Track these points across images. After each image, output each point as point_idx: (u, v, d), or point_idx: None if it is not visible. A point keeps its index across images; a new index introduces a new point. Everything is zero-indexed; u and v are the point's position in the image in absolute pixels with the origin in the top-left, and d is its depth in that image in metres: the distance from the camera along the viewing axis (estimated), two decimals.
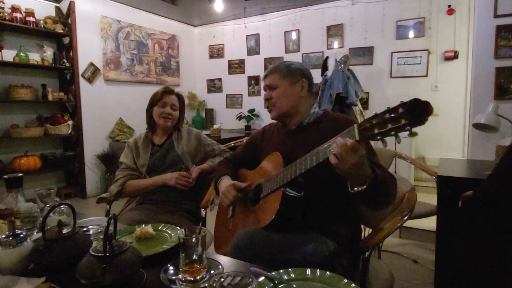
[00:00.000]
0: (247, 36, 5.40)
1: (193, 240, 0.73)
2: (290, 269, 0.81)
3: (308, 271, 0.80)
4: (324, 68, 3.93)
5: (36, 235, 1.01)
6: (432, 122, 4.06)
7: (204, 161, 1.74)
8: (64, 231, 0.86)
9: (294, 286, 0.74)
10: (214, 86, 5.87)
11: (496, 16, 2.72)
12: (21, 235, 0.85)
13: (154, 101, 1.72)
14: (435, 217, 1.82)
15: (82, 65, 4.09)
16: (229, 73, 5.67)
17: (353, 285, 0.73)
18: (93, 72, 4.23)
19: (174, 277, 0.77)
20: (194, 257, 0.74)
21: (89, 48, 4.18)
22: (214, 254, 0.96)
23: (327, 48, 4.71)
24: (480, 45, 2.82)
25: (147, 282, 0.79)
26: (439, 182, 1.73)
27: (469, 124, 3.26)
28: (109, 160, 4.21)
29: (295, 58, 4.92)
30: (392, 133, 0.75)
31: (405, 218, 1.09)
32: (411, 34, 4.13)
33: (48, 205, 1.07)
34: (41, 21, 3.67)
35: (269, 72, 1.29)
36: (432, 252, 2.25)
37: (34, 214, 1.06)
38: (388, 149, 1.80)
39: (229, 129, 5.49)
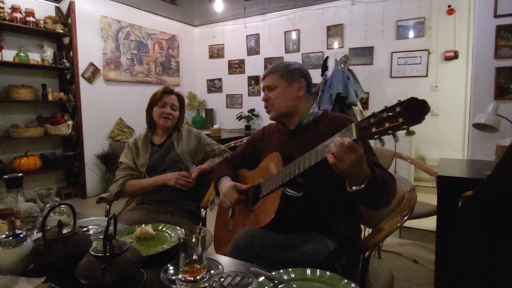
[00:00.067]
0: (247, 36, 5.40)
1: (193, 240, 0.73)
2: (290, 269, 0.81)
3: (308, 271, 0.80)
4: (324, 68, 3.93)
5: (36, 235, 1.01)
6: (432, 122, 4.07)
7: (204, 161, 1.74)
8: (64, 231, 0.86)
9: (294, 286, 0.74)
10: (214, 86, 5.87)
11: (496, 16, 2.72)
12: (21, 235, 0.85)
13: (154, 101, 1.72)
14: (435, 217, 1.82)
15: (82, 65, 4.09)
16: (229, 73, 5.67)
17: (353, 285, 0.73)
18: (93, 72, 4.23)
19: (174, 277, 0.77)
20: (194, 257, 0.74)
21: (89, 48, 4.18)
22: (214, 254, 0.96)
23: (327, 48, 4.71)
24: (480, 45, 2.82)
25: (147, 282, 0.79)
26: (439, 182, 1.73)
27: (469, 124, 3.27)
28: (109, 160, 4.21)
29: (295, 58, 4.92)
30: (389, 132, 0.75)
31: (405, 218, 1.09)
32: (411, 34, 4.13)
33: (48, 205, 1.07)
34: (41, 21, 3.67)
35: (267, 73, 1.30)
36: (432, 252, 2.26)
37: (34, 214, 1.06)
38: (388, 149, 1.79)
39: (229, 129, 5.49)
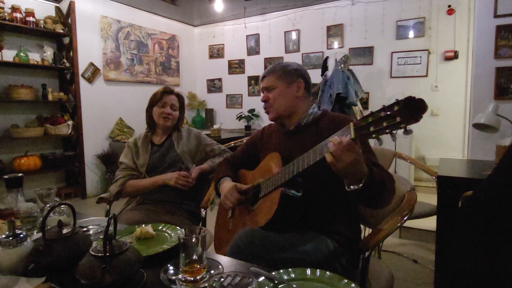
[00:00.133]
0: (247, 36, 5.40)
1: (193, 240, 0.73)
2: (290, 269, 0.81)
3: (308, 271, 0.80)
4: (324, 68, 3.93)
5: (36, 235, 1.01)
6: (432, 122, 4.07)
7: (204, 161, 1.74)
8: (64, 231, 0.86)
9: (294, 286, 0.75)
10: (214, 86, 5.87)
11: (496, 16, 2.72)
12: (21, 235, 0.85)
13: (154, 101, 1.72)
14: (435, 217, 1.82)
15: (82, 65, 4.09)
16: (229, 73, 5.67)
17: (353, 285, 0.73)
18: (93, 72, 4.23)
19: (174, 277, 0.77)
20: (194, 257, 0.74)
21: (89, 48, 4.18)
22: (214, 254, 0.96)
23: (327, 48, 4.71)
24: (480, 45, 2.81)
25: (147, 282, 0.79)
26: (439, 182, 1.73)
27: (469, 124, 3.26)
28: (109, 160, 4.21)
29: (295, 58, 4.92)
30: (387, 131, 0.75)
31: (405, 218, 1.09)
32: (411, 34, 4.13)
33: (48, 205, 1.07)
34: (41, 21, 3.67)
35: (265, 74, 1.30)
36: (432, 252, 2.26)
37: (34, 214, 1.06)
38: (388, 149, 1.79)
39: (229, 129, 5.49)
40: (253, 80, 5.44)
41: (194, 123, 5.67)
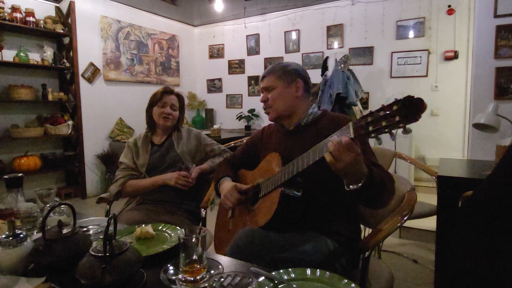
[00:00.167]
0: (247, 36, 5.40)
1: (193, 240, 0.73)
2: (290, 269, 0.81)
3: (308, 271, 0.80)
4: (324, 68, 3.93)
5: (36, 235, 1.01)
6: (432, 122, 4.07)
7: (204, 161, 1.74)
8: (64, 231, 0.86)
9: (294, 286, 0.75)
10: (214, 86, 5.87)
11: (496, 16, 2.72)
12: (21, 235, 0.85)
13: (154, 101, 1.72)
14: (435, 217, 1.82)
15: (82, 65, 4.09)
16: (229, 73, 5.67)
17: (353, 285, 0.73)
18: (93, 72, 4.23)
19: (174, 277, 0.77)
20: (194, 257, 0.74)
21: (89, 48, 4.18)
22: (214, 254, 0.96)
23: (327, 48, 4.71)
24: (480, 45, 2.81)
25: (147, 282, 0.79)
26: (439, 182, 1.73)
27: (469, 124, 3.26)
28: (109, 160, 4.21)
29: (295, 58, 4.92)
30: (386, 130, 0.76)
31: (405, 218, 1.09)
32: (411, 34, 4.13)
33: (48, 205, 1.07)
34: (41, 21, 3.67)
35: (265, 75, 1.30)
36: (432, 252, 2.26)
37: (34, 214, 1.06)
38: (388, 149, 1.79)
39: (229, 129, 5.49)
40: (253, 80, 5.44)
41: (194, 123, 5.67)
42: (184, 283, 0.73)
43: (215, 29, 5.72)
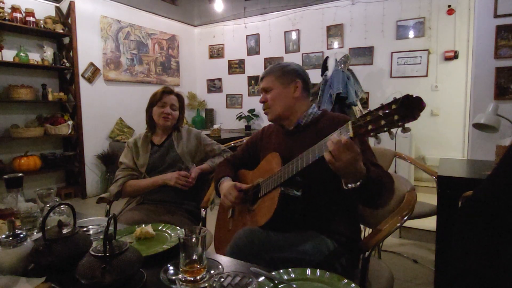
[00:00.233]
0: (247, 36, 5.40)
1: (193, 240, 0.73)
2: (290, 269, 0.81)
3: (308, 271, 0.80)
4: (324, 68, 3.93)
5: (36, 235, 1.01)
6: (432, 122, 4.07)
7: (204, 161, 1.74)
8: (64, 231, 0.86)
9: (294, 286, 0.74)
10: (214, 86, 5.87)
11: (496, 16, 2.72)
12: (21, 235, 0.85)
13: (154, 101, 1.72)
14: (435, 217, 1.82)
15: (82, 65, 4.09)
16: (229, 73, 5.67)
17: (353, 285, 0.73)
18: (93, 72, 4.23)
19: (174, 277, 0.77)
20: (194, 257, 0.74)
21: (89, 48, 4.18)
22: (214, 254, 0.96)
23: (327, 48, 4.71)
24: (480, 45, 2.81)
25: (147, 282, 0.79)
26: (439, 182, 1.73)
27: (469, 124, 3.27)
28: (109, 160, 4.21)
29: (295, 58, 4.92)
30: (385, 129, 0.76)
31: (405, 218, 1.09)
32: (411, 34, 4.13)
33: (48, 205, 1.07)
34: (41, 21, 3.67)
35: (263, 75, 1.30)
36: (432, 252, 2.26)
37: (34, 214, 1.06)
38: (388, 149, 1.80)
39: (229, 129, 5.49)
40: (253, 80, 5.44)
41: (194, 123, 5.67)
42: (184, 283, 0.73)
43: (215, 29, 5.72)
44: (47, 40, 3.91)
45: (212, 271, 0.81)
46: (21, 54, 3.51)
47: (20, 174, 1.10)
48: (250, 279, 0.66)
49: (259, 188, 1.22)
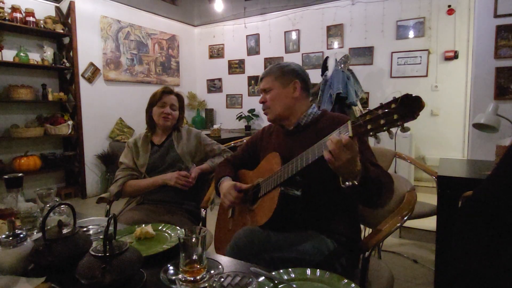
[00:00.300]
0: (247, 36, 5.40)
1: (193, 240, 0.73)
2: (290, 269, 0.81)
3: (308, 271, 0.80)
4: (324, 68, 3.93)
5: (36, 235, 1.01)
6: (432, 122, 4.07)
7: (204, 161, 1.74)
8: (64, 231, 0.86)
9: (294, 286, 0.74)
10: (214, 86, 5.87)
11: (496, 16, 2.72)
12: (21, 235, 0.85)
13: (154, 101, 1.72)
14: (435, 217, 1.82)
15: (82, 65, 4.09)
16: (229, 73, 5.67)
17: (353, 285, 0.73)
18: (93, 72, 4.23)
19: (174, 277, 0.77)
20: (194, 257, 0.74)
21: (89, 48, 4.18)
22: (214, 254, 0.96)
23: (327, 48, 4.71)
24: (480, 45, 2.82)
25: (147, 282, 0.79)
26: (439, 182, 1.73)
27: (469, 124, 3.27)
28: (109, 160, 4.21)
29: (295, 58, 4.93)
30: (384, 128, 0.76)
31: (405, 218, 1.09)
32: (411, 34, 4.13)
33: (48, 205, 1.07)
34: (41, 21, 3.67)
35: (263, 76, 1.30)
36: (432, 252, 2.26)
37: (34, 214, 1.06)
38: (388, 149, 1.80)
39: (229, 129, 5.49)
40: (253, 80, 5.44)
41: (194, 123, 5.67)
42: (184, 283, 0.73)
43: (215, 29, 5.72)
44: (47, 40, 3.91)
45: (212, 271, 0.81)
46: (21, 54, 3.51)
47: (20, 174, 1.10)
48: (250, 279, 0.66)
49: (259, 188, 1.22)
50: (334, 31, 4.63)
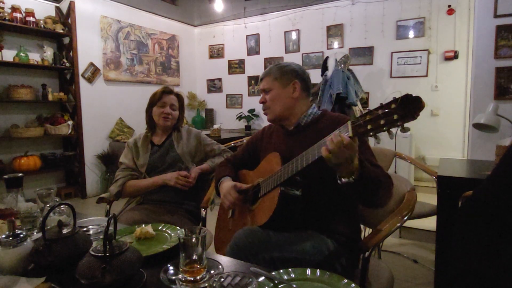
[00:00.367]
0: (247, 36, 5.40)
1: (193, 240, 0.73)
2: (290, 269, 0.81)
3: (308, 271, 0.80)
4: (324, 68, 3.93)
5: (36, 235, 1.01)
6: (432, 122, 4.07)
7: (204, 161, 1.74)
8: (64, 231, 0.86)
9: (294, 286, 0.74)
10: (214, 86, 5.87)
11: (496, 16, 2.72)
12: (21, 235, 0.85)
13: (154, 101, 1.72)
14: (435, 217, 1.82)
15: (82, 65, 4.09)
16: (229, 73, 5.67)
17: (353, 285, 0.73)
18: (93, 72, 4.23)
19: (174, 277, 0.77)
20: (194, 257, 0.74)
21: (89, 48, 4.18)
22: (214, 254, 0.96)
23: (327, 48, 4.71)
24: (480, 45, 2.81)
25: (147, 282, 0.79)
26: (439, 182, 1.73)
27: (469, 124, 3.27)
28: (109, 160, 4.22)
29: (295, 58, 4.92)
30: (384, 128, 0.76)
31: (405, 218, 1.09)
32: (411, 34, 4.13)
33: (48, 205, 1.07)
34: (41, 21, 3.67)
35: (262, 76, 1.31)
36: (432, 252, 2.25)
37: (34, 214, 1.06)
38: (388, 149, 1.80)
39: (229, 129, 5.49)
40: (253, 80, 5.44)
41: (194, 123, 5.67)
42: (184, 283, 0.73)
43: (215, 29, 5.72)
44: (47, 40, 3.91)
45: (212, 271, 0.81)
46: (21, 54, 3.51)
47: (20, 174, 1.10)
48: (250, 279, 0.66)
49: (259, 188, 1.22)
50: (334, 31, 4.63)
